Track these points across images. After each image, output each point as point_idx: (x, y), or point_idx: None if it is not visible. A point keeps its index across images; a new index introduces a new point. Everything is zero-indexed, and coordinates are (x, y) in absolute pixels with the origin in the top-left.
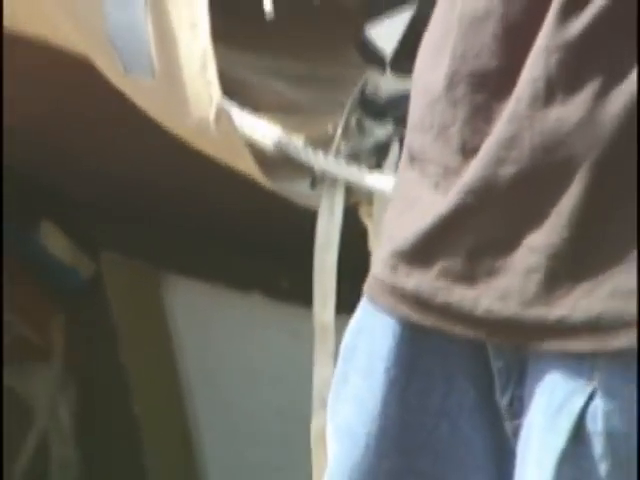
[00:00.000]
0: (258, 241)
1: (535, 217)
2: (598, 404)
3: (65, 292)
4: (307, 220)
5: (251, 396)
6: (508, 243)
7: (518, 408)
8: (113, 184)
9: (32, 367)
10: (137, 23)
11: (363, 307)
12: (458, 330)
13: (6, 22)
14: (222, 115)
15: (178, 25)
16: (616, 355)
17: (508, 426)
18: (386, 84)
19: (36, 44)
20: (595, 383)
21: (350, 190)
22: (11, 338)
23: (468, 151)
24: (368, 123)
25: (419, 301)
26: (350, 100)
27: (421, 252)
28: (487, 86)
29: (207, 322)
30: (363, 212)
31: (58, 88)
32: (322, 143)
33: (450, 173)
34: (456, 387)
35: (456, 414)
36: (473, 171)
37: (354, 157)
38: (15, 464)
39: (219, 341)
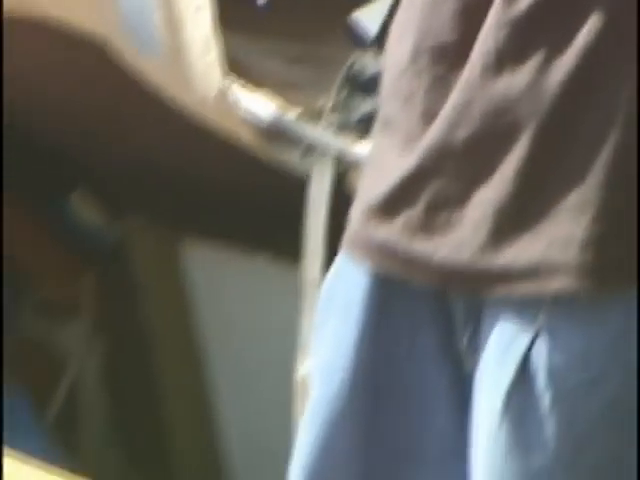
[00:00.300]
0: (263, 209)
1: (485, 175)
2: (541, 343)
3: (94, 254)
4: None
5: (258, 346)
6: (461, 199)
7: (475, 348)
8: (138, 158)
9: (64, 321)
10: (147, 7)
11: (341, 257)
12: (419, 278)
13: (25, 7)
14: (224, 92)
15: (184, 9)
16: (556, 299)
17: (467, 365)
18: (371, 63)
19: (62, 31)
20: (539, 324)
21: (339, 158)
22: (46, 295)
23: (429, 117)
24: (355, 98)
25: (386, 251)
26: (339, 78)
27: (387, 207)
28: (446, 58)
29: (220, 281)
30: (351, 179)
31: (82, 69)
32: (314, 117)
33: (413, 137)
34: (422, 330)
35: (422, 355)
36: (432, 134)
37: (343, 129)
38: (47, 410)
39: (230, 298)
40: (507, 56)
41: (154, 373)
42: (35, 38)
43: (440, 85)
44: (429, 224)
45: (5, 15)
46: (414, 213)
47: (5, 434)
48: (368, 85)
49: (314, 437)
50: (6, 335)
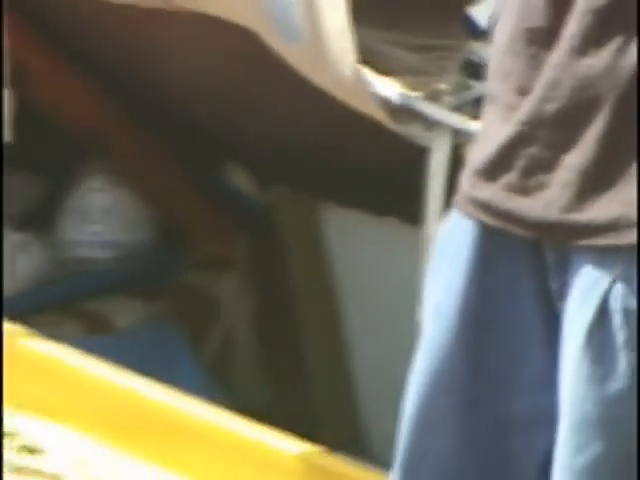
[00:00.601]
0: (390, 177)
1: (571, 143)
2: (618, 287)
3: (247, 218)
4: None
5: (386, 295)
6: (551, 163)
7: (564, 291)
8: (284, 134)
9: (221, 274)
10: (291, 1)
11: (452, 214)
12: (517, 231)
13: (182, 2)
14: (357, 74)
15: (322, 3)
16: (632, 249)
17: (558, 305)
18: (482, 51)
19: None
20: (617, 271)
21: (456, 133)
22: (205, 250)
23: (523, 91)
24: (469, 82)
25: (489, 208)
26: (455, 64)
27: (490, 171)
28: (538, 40)
29: (355, 241)
30: (465, 150)
31: (236, 55)
32: (434, 97)
33: (511, 109)
34: (520, 276)
35: (520, 298)
36: (526, 108)
37: (458, 108)
38: (204, 352)
39: (362, 254)
40: (590, 40)
41: (297, 319)
42: (192, 28)
43: (532, 63)
44: (524, 185)
45: (160, 6)
46: (512, 176)
47: (163, 371)
48: (479, 71)
49: (427, 367)
50: (170, 283)
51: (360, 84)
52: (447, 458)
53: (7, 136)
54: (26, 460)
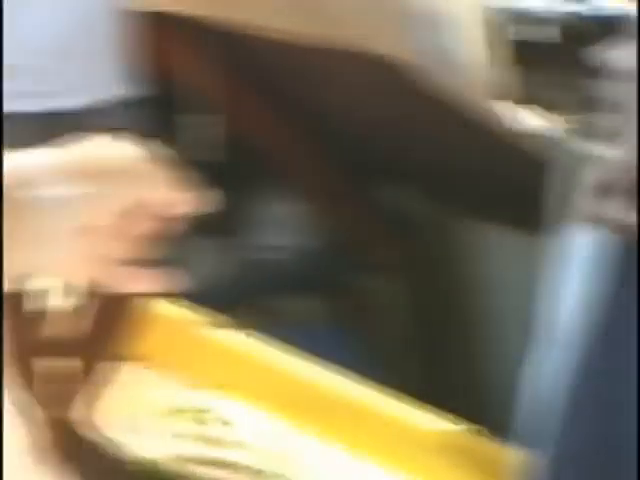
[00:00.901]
0: (524, 196)
1: None
2: None
3: (403, 229)
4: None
5: (507, 295)
6: None
7: None
8: (432, 157)
9: (380, 278)
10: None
11: (573, 228)
12: (622, 236)
13: (339, 40)
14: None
15: (464, 37)
16: None
17: None
18: (606, 88)
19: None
20: None
21: (579, 156)
22: (366, 257)
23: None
24: (594, 114)
25: (609, 222)
26: (583, 100)
27: (607, 188)
28: None
29: (487, 250)
30: (586, 171)
31: (376, 84)
32: (559, 125)
33: (619, 135)
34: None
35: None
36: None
37: (583, 136)
38: (365, 344)
39: (486, 259)
40: None
41: (443, 316)
42: (356, 65)
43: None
44: (629, 203)
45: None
46: (618, 196)
47: (330, 360)
48: (602, 105)
49: (569, 372)
50: (335, 284)
51: (499, 113)
52: (590, 456)
53: (219, 156)
54: (217, 431)
